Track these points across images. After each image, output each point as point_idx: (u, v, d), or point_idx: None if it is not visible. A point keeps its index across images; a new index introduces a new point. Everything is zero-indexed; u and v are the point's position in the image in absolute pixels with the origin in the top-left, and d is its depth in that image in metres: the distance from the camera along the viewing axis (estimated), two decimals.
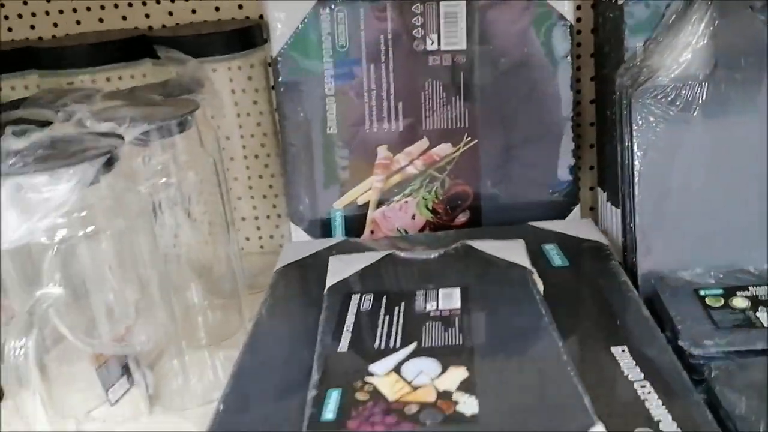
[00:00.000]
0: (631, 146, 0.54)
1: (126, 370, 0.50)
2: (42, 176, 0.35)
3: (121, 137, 0.39)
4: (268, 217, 0.74)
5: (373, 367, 0.40)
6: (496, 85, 0.62)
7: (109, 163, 0.38)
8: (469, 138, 0.63)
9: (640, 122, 0.53)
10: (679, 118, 0.52)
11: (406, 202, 0.65)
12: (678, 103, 0.52)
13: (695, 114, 0.52)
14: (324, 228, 0.65)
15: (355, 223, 0.65)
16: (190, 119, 0.46)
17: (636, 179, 0.53)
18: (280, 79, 0.62)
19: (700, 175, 0.52)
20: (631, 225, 0.55)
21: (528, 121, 0.63)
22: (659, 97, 0.52)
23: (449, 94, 0.62)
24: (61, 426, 0.45)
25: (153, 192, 0.45)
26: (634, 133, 0.53)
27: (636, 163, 0.53)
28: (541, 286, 0.48)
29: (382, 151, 0.64)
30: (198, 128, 0.48)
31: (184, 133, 0.46)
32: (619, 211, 0.59)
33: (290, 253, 0.60)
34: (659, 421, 0.35)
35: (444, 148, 0.63)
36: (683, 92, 0.52)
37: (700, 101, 0.52)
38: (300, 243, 0.62)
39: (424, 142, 0.63)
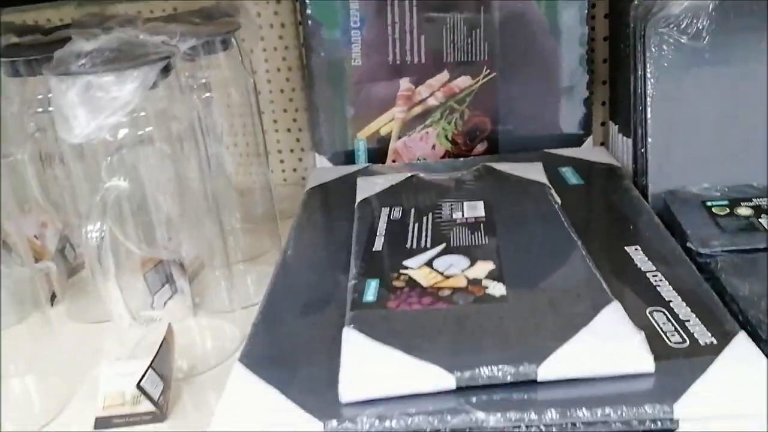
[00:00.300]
0: (644, 74, 0.57)
1: (170, 278, 0.53)
2: (110, 76, 0.38)
3: (176, 47, 0.43)
4: (291, 150, 0.77)
5: (407, 262, 0.44)
6: (515, 19, 0.65)
7: (167, 69, 0.41)
8: (488, 71, 0.66)
9: (653, 50, 0.56)
10: (689, 46, 0.55)
11: (427, 132, 0.68)
12: (689, 32, 0.55)
13: (705, 42, 0.55)
14: (347, 158, 0.68)
15: (378, 153, 0.68)
16: (233, 39, 0.49)
17: (649, 103, 0.56)
18: (308, 12, 0.65)
19: (708, 98, 0.55)
20: (642, 150, 0.58)
21: (544, 55, 0.65)
22: (671, 26, 0.55)
23: (470, 28, 0.65)
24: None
25: (197, 107, 0.48)
26: (647, 61, 0.56)
27: (649, 89, 0.56)
28: (558, 200, 0.52)
29: (405, 83, 0.66)
30: (239, 48, 0.51)
31: (227, 51, 0.49)
32: (630, 140, 0.62)
33: (318, 176, 0.63)
34: (670, 301, 0.39)
35: (464, 81, 0.66)
36: (694, 21, 0.55)
37: (710, 30, 0.55)
38: (327, 168, 0.66)
39: (444, 75, 0.66)
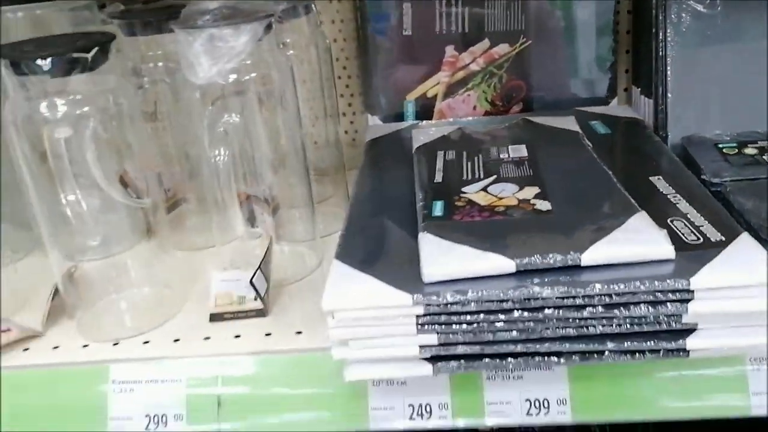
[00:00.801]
0: (665, 38, 0.65)
1: (251, 214, 0.62)
2: (228, 29, 0.47)
3: (274, 9, 0.51)
4: (344, 114, 0.85)
5: (465, 189, 0.52)
6: None
7: (269, 27, 0.50)
8: (525, 39, 0.74)
9: (673, 17, 0.64)
10: (705, 14, 0.63)
11: (469, 95, 0.76)
12: (705, 1, 0.63)
13: (718, 10, 0.63)
14: (397, 118, 0.77)
15: (424, 113, 0.76)
16: (313, 5, 0.58)
17: (669, 64, 0.64)
18: None
19: (721, 58, 0.63)
20: (663, 106, 0.66)
21: (576, 25, 0.74)
22: None
23: (509, 0, 0.73)
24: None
25: (289, 62, 0.57)
26: (668, 27, 0.65)
27: (669, 51, 0.65)
28: (590, 144, 0.60)
29: (450, 50, 0.75)
30: (317, 13, 0.60)
31: (308, 15, 0.58)
32: (651, 101, 0.70)
33: (375, 131, 0.72)
34: (687, 214, 0.47)
35: (503, 48, 0.74)
36: None
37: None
38: (381, 125, 0.74)
39: (485, 43, 0.75)
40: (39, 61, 0.44)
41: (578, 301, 0.41)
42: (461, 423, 0.46)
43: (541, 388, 0.45)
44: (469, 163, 0.57)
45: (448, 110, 0.77)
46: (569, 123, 0.64)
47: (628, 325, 0.41)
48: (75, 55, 0.44)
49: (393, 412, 0.46)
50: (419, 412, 0.46)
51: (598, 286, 0.40)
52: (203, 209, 0.66)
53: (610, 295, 0.40)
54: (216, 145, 0.48)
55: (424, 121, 0.75)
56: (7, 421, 0.48)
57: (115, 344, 0.50)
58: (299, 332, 0.50)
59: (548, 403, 0.45)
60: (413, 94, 0.76)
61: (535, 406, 0.45)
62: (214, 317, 0.51)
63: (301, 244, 0.61)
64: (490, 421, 0.45)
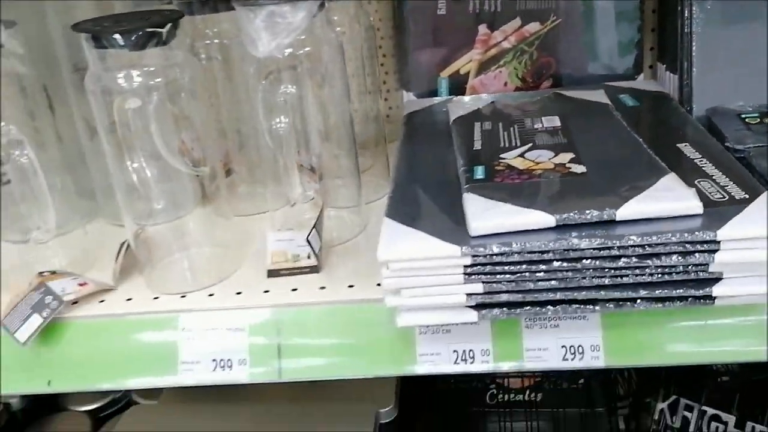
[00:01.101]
0: (691, 16, 0.68)
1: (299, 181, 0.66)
2: (287, 6, 0.51)
3: None
4: (379, 90, 0.89)
5: (503, 155, 0.56)
6: None
7: (322, 5, 0.54)
8: (555, 17, 0.77)
9: None
10: None
11: (500, 71, 0.80)
12: None
13: None
14: (431, 94, 0.80)
15: (457, 90, 0.80)
16: None
17: (694, 40, 0.68)
18: None
19: (744, 34, 0.66)
20: (688, 81, 0.69)
21: (604, 4, 0.77)
22: None
23: None
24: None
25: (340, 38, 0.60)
26: (693, 5, 0.68)
27: (694, 28, 0.68)
28: (619, 115, 0.63)
29: (482, 29, 0.78)
30: None
31: None
32: (676, 76, 0.73)
33: (411, 105, 0.76)
34: (713, 176, 0.50)
35: (533, 26, 0.78)
36: None
37: None
38: (417, 100, 0.78)
39: (516, 21, 0.78)
40: (117, 36, 0.49)
41: (613, 252, 0.44)
42: (502, 367, 0.50)
43: (575, 335, 0.49)
44: (506, 133, 0.61)
45: (481, 86, 0.80)
46: (599, 96, 0.68)
47: (659, 275, 0.45)
48: (151, 29, 0.48)
49: (439, 357, 0.50)
50: (463, 358, 0.50)
51: (632, 237, 0.44)
52: (252, 179, 0.70)
53: (643, 246, 0.44)
54: (276, 114, 0.52)
55: (459, 96, 0.78)
56: (87, 365, 0.52)
57: (182, 297, 0.55)
58: (351, 286, 0.54)
59: (582, 349, 0.49)
60: (447, 71, 0.80)
61: (571, 352, 0.50)
62: (272, 273, 0.56)
63: (345, 210, 0.65)
64: (530, 366, 0.50)
